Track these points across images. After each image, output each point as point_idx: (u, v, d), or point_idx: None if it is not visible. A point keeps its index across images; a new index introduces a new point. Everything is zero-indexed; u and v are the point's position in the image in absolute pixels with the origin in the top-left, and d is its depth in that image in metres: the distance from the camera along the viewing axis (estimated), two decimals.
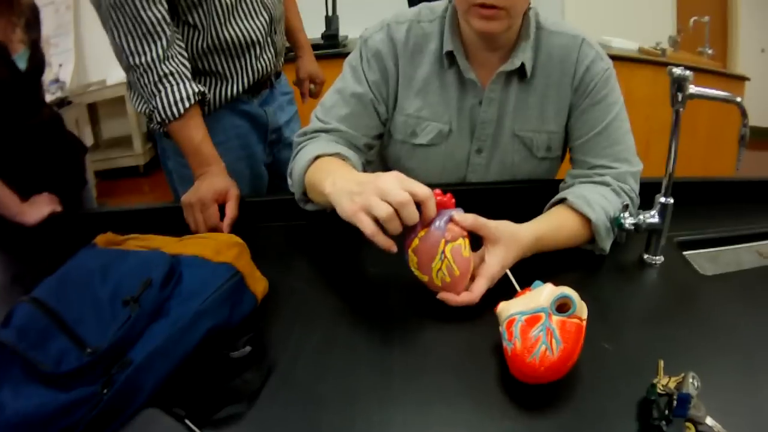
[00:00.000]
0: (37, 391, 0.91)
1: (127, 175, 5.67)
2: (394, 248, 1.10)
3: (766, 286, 1.36)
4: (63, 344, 0.96)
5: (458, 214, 1.18)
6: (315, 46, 3.14)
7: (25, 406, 0.89)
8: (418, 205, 1.10)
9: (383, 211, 1.06)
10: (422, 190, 1.10)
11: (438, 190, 1.16)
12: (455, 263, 1.15)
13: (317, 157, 1.43)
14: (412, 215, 1.08)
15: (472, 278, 1.21)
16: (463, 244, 1.17)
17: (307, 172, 1.43)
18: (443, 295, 1.18)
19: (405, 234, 1.16)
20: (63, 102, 5.00)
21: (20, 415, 0.88)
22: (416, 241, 1.16)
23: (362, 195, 1.10)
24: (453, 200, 1.19)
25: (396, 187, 1.08)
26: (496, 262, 1.21)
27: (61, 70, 5.23)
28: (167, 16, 1.66)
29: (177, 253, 1.19)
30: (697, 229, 1.59)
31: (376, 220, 1.08)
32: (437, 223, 1.15)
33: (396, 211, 1.07)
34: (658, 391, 0.94)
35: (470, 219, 1.19)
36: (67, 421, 0.89)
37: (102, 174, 5.47)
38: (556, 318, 1.00)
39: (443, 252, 1.14)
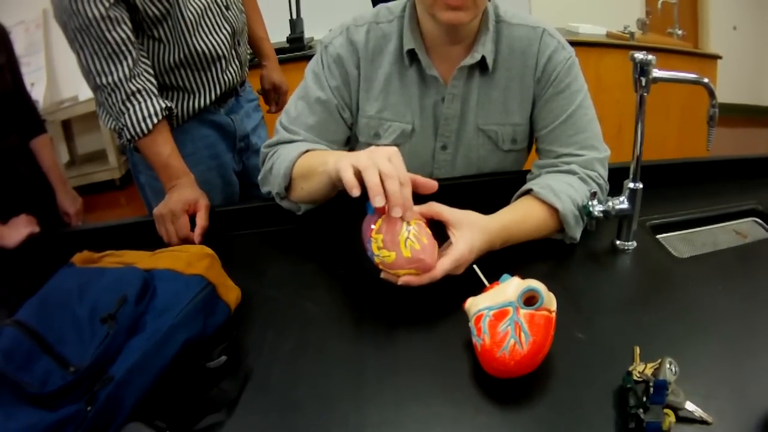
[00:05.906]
0: (27, 413, 0.92)
1: (103, 189, 5.64)
2: (357, 190, 1.12)
3: (743, 265, 1.37)
4: (47, 364, 0.97)
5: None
6: (280, 50, 3.13)
7: (16, 429, 0.90)
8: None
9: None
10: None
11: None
12: (422, 231, 1.16)
13: (307, 151, 1.45)
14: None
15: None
16: (424, 223, 1.19)
17: (297, 163, 1.44)
18: (406, 278, 1.15)
19: (363, 233, 1.20)
20: None
21: None
22: (379, 222, 1.17)
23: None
24: None
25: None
26: (462, 242, 1.21)
27: (33, 90, 5.19)
28: (132, 36, 1.67)
29: (150, 268, 1.19)
30: (671, 211, 1.59)
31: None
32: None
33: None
34: (635, 378, 0.94)
35: (425, 206, 1.22)
36: None
37: (79, 190, 5.35)
38: (523, 311, 1.01)
39: (407, 224, 1.15)
